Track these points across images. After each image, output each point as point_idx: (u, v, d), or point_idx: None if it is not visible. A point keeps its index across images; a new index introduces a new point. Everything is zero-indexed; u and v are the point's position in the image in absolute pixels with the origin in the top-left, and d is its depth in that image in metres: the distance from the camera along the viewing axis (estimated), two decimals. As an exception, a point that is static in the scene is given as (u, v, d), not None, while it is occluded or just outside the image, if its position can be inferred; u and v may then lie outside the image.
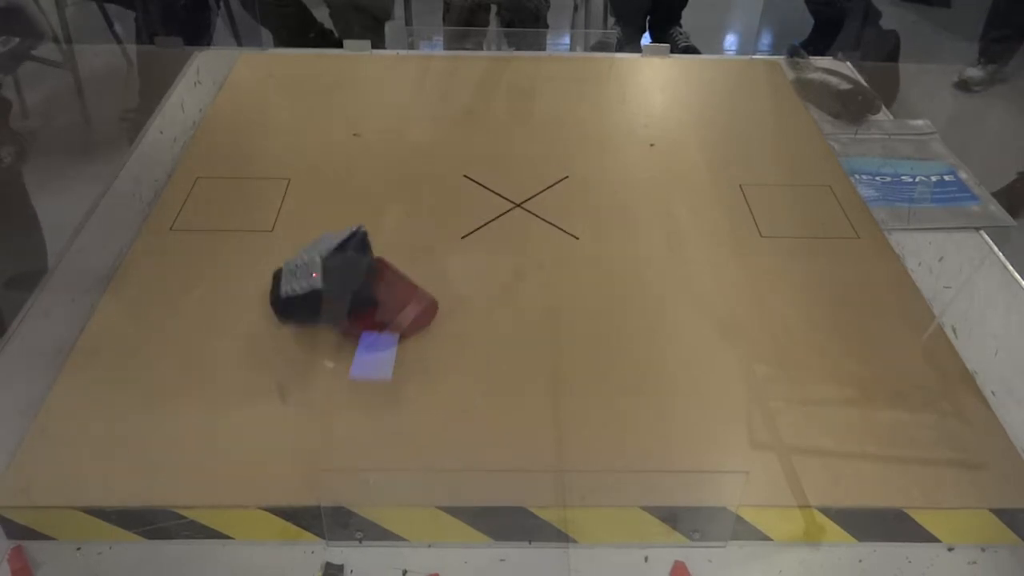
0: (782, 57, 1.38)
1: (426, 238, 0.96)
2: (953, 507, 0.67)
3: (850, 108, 1.23)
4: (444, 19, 2.37)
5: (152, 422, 0.72)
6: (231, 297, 0.86)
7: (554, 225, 0.97)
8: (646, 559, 0.66)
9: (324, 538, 0.66)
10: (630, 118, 1.22)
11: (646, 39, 2.82)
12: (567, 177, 1.06)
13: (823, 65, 1.33)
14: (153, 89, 1.42)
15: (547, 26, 2.36)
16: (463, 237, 0.96)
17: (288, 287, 0.77)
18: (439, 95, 1.28)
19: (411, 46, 1.62)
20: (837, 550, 0.67)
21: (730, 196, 1.04)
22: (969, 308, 0.87)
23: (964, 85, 2.62)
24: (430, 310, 0.83)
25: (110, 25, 2.38)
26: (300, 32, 2.41)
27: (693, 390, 0.77)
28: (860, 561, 0.66)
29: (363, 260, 0.80)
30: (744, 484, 0.65)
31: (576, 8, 2.72)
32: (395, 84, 1.30)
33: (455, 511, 0.66)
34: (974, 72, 2.61)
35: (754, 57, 1.41)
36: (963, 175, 1.11)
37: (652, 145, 1.14)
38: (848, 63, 1.36)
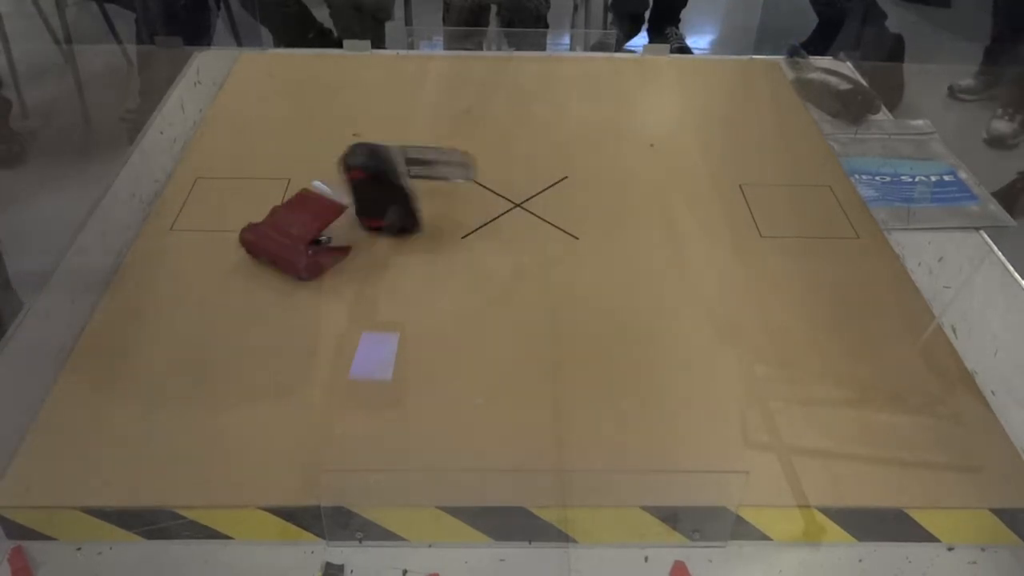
0: (782, 57, 1.38)
1: (426, 238, 0.96)
2: (953, 507, 0.67)
3: (850, 108, 1.23)
4: (444, 19, 2.37)
5: (152, 422, 0.72)
6: (231, 297, 0.86)
7: (554, 225, 0.97)
8: (646, 559, 0.66)
9: (324, 538, 0.66)
10: (630, 118, 1.22)
11: (644, 38, 2.82)
12: (567, 177, 1.06)
13: (823, 65, 1.33)
14: (153, 89, 1.42)
15: (547, 26, 2.36)
16: (463, 237, 0.96)
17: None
18: (439, 95, 1.28)
19: (411, 46, 1.62)
20: (837, 550, 0.67)
21: (730, 196, 1.04)
22: (969, 308, 0.87)
23: (953, 92, 2.58)
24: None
25: (110, 25, 2.38)
26: (300, 32, 2.41)
27: (693, 390, 0.77)
28: (860, 561, 0.66)
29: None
30: (744, 484, 0.65)
31: (576, 8, 2.72)
32: (395, 84, 1.30)
33: (455, 511, 0.66)
34: (966, 81, 2.58)
35: (754, 57, 1.41)
36: (963, 175, 1.11)
37: (652, 145, 1.14)
38: (848, 63, 1.36)
